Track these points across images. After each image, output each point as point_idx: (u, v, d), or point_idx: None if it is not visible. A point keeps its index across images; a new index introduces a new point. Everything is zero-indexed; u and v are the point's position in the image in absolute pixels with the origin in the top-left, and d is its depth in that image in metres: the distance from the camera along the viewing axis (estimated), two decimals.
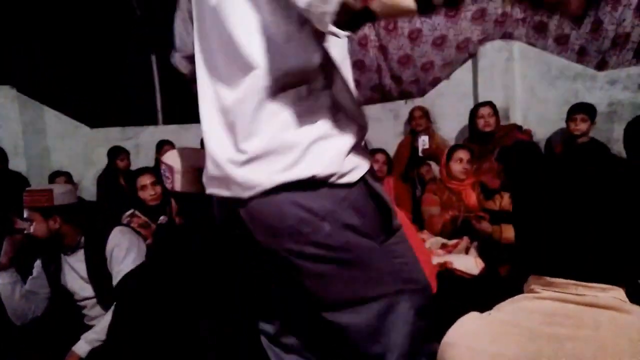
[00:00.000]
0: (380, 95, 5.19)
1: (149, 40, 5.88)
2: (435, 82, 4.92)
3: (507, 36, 4.41)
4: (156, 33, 5.79)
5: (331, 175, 1.04)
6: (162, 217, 2.70)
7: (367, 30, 4.64)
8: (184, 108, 6.07)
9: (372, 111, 5.00)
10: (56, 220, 2.06)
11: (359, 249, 1.11)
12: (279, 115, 1.02)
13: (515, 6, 4.18)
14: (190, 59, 1.28)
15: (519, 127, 4.08)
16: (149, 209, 2.92)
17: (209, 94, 1.14)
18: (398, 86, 5.06)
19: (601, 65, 4.05)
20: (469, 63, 4.66)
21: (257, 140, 1.03)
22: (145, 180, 2.95)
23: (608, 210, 0.77)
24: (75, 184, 4.78)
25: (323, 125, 1.05)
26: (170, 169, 1.51)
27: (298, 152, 1.02)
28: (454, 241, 2.55)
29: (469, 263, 2.24)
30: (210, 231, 1.48)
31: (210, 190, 1.18)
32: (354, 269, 1.11)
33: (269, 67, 1.01)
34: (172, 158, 1.52)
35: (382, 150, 3.68)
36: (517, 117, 4.39)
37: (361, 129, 1.12)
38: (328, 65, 1.07)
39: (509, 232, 2.41)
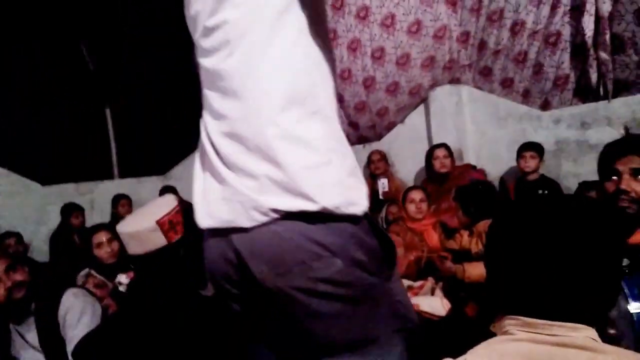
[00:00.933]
0: None
1: (103, 93, 5.83)
2: (391, 126, 5.06)
3: (455, 81, 4.61)
4: (110, 86, 5.77)
5: (338, 206, 1.01)
6: (119, 276, 2.60)
7: None
8: (141, 160, 6.01)
9: None
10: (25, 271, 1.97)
11: (366, 287, 1.06)
12: (291, 140, 1.01)
13: (461, 53, 4.40)
14: None
15: (473, 167, 4.21)
16: (105, 267, 2.80)
17: (215, 112, 1.11)
18: (355, 132, 5.17)
19: (545, 106, 4.27)
20: (422, 107, 4.83)
21: (268, 165, 1.01)
22: (101, 237, 2.85)
23: (565, 245, 0.79)
24: (26, 244, 4.57)
25: (328, 150, 1.04)
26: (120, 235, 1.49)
27: (306, 178, 0.99)
28: (419, 283, 2.56)
29: (435, 304, 2.24)
30: (177, 290, 1.44)
31: (206, 223, 1.10)
32: (359, 308, 1.06)
33: (294, 97, 1.02)
34: (122, 224, 1.49)
35: None
36: (470, 157, 4.54)
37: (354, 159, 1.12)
38: (329, 86, 1.08)
39: (472, 270, 2.43)
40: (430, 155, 3.95)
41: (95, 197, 5.69)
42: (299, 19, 1.03)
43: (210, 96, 1.11)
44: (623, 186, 1.40)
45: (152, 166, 6.06)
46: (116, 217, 4.95)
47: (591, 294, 0.78)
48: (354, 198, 1.05)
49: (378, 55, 4.50)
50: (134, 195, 5.28)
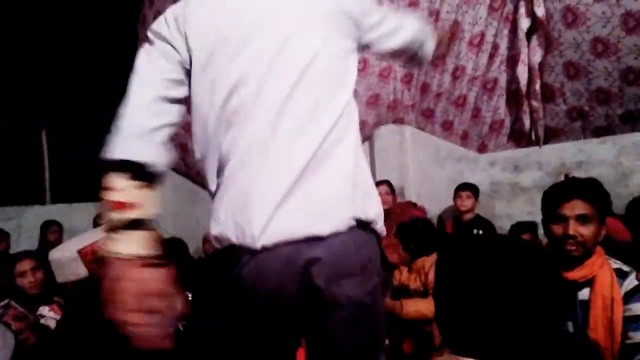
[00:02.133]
0: None
1: (39, 115, 5.60)
2: None
3: (399, 121, 4.76)
4: (47, 109, 5.55)
5: (380, 217, 1.15)
6: (41, 308, 2.44)
7: None
8: (75, 186, 5.74)
9: None
10: None
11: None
12: (358, 164, 1.13)
13: (405, 94, 4.56)
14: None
15: (414, 204, 4.31)
16: (28, 298, 2.63)
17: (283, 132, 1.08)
18: None
19: (481, 148, 4.47)
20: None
21: (339, 174, 1.08)
22: (25, 265, 2.68)
23: (503, 288, 0.81)
24: None
25: (367, 168, 1.19)
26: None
27: (362, 192, 1.11)
28: None
29: None
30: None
31: (276, 238, 1.03)
32: (376, 324, 1.13)
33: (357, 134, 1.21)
34: (52, 250, 1.43)
35: None
36: (411, 195, 4.65)
37: None
38: None
39: (409, 307, 2.46)
40: None
41: (23, 223, 5.37)
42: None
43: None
44: (571, 232, 1.48)
45: (87, 192, 5.81)
46: (44, 244, 4.67)
47: (527, 334, 0.80)
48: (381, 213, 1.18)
49: None
50: (66, 222, 5.01)
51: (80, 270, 1.31)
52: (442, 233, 4.03)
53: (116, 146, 1.05)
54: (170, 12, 1.15)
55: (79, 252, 1.32)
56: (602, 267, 1.50)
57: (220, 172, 1.12)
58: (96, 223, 4.89)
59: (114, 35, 5.25)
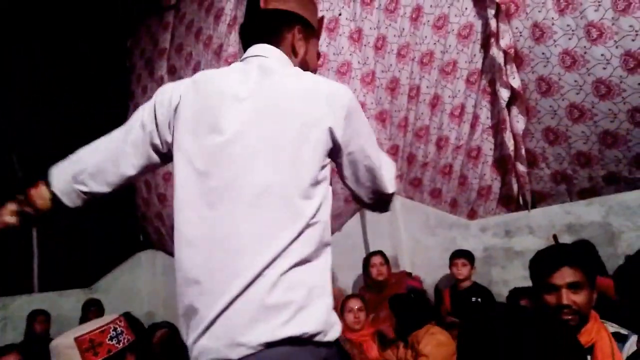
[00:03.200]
0: None
1: None
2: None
3: None
4: None
5: (318, 333, 1.06)
6: None
7: None
8: (64, 273, 5.63)
9: None
10: None
11: None
12: (288, 276, 1.06)
13: None
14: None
15: (409, 274, 4.27)
16: None
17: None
18: None
19: (471, 215, 4.50)
20: (357, 216, 4.95)
21: (254, 300, 1.04)
22: None
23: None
24: None
25: (319, 283, 1.11)
26: None
27: (293, 310, 1.03)
28: None
29: None
30: None
31: (199, 355, 1.06)
32: None
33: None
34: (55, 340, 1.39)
35: None
36: (405, 264, 4.61)
37: None
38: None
39: None
40: (367, 263, 3.99)
41: (9, 314, 5.20)
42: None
43: None
44: (565, 302, 1.46)
45: (76, 278, 5.70)
46: (31, 336, 4.52)
47: None
48: (330, 327, 1.10)
49: None
50: (55, 311, 4.88)
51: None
52: (439, 303, 3.97)
53: (61, 173, 1.29)
54: (177, 86, 1.24)
55: (76, 339, 1.28)
56: (599, 332, 1.48)
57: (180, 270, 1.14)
58: (85, 310, 4.77)
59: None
